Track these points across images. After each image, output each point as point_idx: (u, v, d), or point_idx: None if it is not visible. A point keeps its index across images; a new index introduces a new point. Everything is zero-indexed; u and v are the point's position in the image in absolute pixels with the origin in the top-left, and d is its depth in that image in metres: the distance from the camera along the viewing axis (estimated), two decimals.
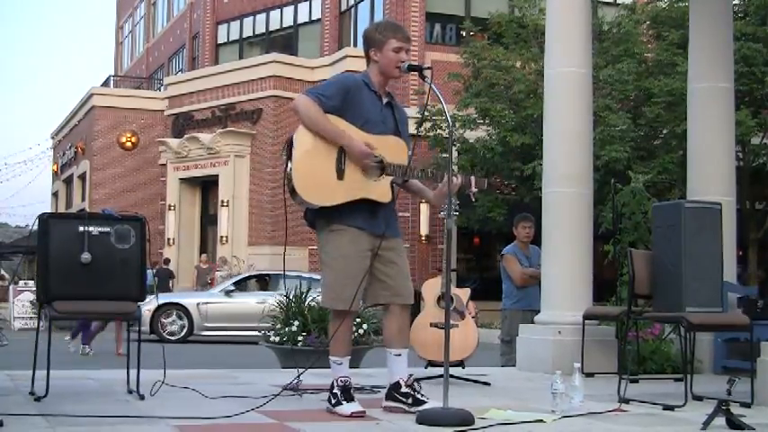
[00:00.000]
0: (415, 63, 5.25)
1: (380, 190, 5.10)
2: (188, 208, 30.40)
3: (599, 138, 17.09)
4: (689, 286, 6.07)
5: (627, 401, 5.86)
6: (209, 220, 30.29)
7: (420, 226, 25.14)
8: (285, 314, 9.20)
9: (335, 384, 5.15)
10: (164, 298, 19.26)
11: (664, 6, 21.37)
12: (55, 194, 41.60)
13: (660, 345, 8.05)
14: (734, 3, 16.83)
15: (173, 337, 18.31)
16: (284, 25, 32.14)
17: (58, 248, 5.46)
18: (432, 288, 6.98)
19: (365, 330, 9.05)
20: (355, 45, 28.09)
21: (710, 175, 8.59)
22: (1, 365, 7.33)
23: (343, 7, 29.87)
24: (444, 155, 21.53)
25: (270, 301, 18.69)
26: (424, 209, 24.68)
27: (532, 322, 8.33)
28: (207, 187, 30.19)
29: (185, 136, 29.73)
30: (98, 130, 32.58)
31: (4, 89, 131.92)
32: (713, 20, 8.77)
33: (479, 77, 21.92)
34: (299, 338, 8.83)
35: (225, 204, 28.17)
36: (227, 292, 19.46)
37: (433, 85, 5.07)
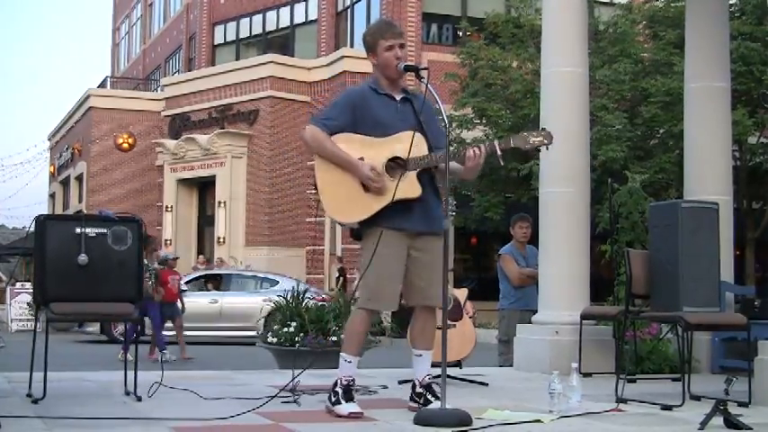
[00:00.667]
0: (412, 63, 5.24)
1: (408, 187, 5.06)
2: (185, 209, 30.39)
3: (596, 137, 17.08)
4: (686, 286, 6.07)
5: (624, 401, 5.86)
6: (206, 221, 30.28)
7: None
8: (283, 315, 9.20)
9: (339, 383, 5.15)
10: None
11: (660, 6, 21.37)
12: (52, 196, 41.57)
13: (658, 344, 8.05)
14: (730, 2, 16.84)
15: (122, 338, 17.74)
16: (281, 26, 32.12)
17: (55, 250, 5.46)
18: None
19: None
20: (352, 45, 28.08)
21: (707, 175, 8.59)
22: None
23: (340, 8, 29.86)
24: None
25: (221, 300, 18.76)
26: None
27: (530, 322, 8.33)
28: (204, 188, 30.19)
29: (182, 137, 29.73)
30: (95, 131, 32.56)
31: (0, 90, 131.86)
32: (710, 19, 8.77)
33: (476, 77, 21.92)
34: (297, 339, 8.83)
35: (222, 205, 28.17)
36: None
37: (429, 86, 5.06)
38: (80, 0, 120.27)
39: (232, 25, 33.68)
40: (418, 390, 5.23)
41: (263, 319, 17.91)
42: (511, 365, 8.43)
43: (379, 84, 5.28)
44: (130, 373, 5.64)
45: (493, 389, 6.69)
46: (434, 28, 27.64)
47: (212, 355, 15.01)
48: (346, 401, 5.08)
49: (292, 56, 29.82)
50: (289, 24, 31.82)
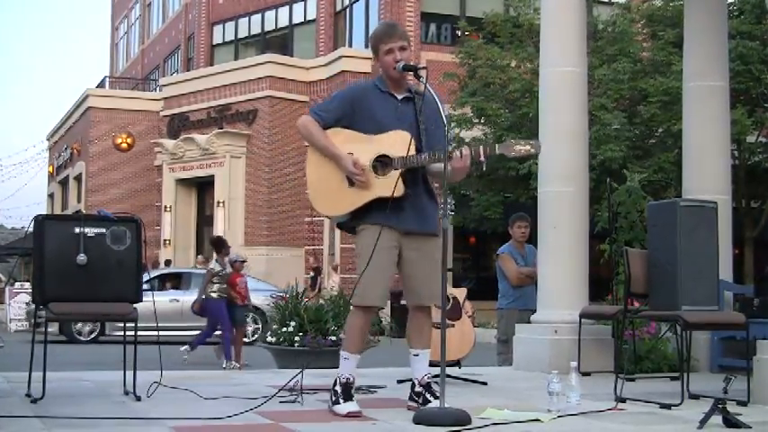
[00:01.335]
0: (410, 63, 5.25)
1: (389, 185, 5.07)
2: (184, 209, 30.38)
3: (594, 137, 17.08)
4: (685, 285, 6.07)
5: (624, 400, 5.86)
6: (204, 221, 30.27)
7: None
8: (282, 315, 9.20)
9: (338, 382, 5.17)
10: None
11: (659, 5, 21.37)
12: (51, 196, 41.55)
13: (657, 343, 8.06)
14: (729, 1, 16.85)
15: (82, 338, 17.36)
16: (279, 26, 32.12)
17: (53, 250, 5.46)
18: None
19: None
20: (351, 45, 28.09)
21: (706, 174, 8.59)
22: None
23: (338, 7, 29.86)
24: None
25: (182, 299, 18.61)
26: None
27: (529, 322, 8.33)
28: (203, 188, 30.19)
29: (181, 137, 29.72)
30: (94, 131, 32.55)
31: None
32: (708, 18, 8.77)
33: (475, 77, 21.92)
34: (296, 339, 8.84)
35: (221, 205, 28.16)
36: None
37: (428, 85, 5.07)
38: (78, 0, 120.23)
39: (231, 25, 33.67)
40: (417, 389, 5.25)
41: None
42: (510, 365, 8.43)
43: (383, 82, 5.32)
44: (129, 373, 5.64)
45: (492, 388, 6.69)
46: (433, 27, 27.63)
47: (211, 354, 14.99)
48: (345, 401, 5.08)
49: (291, 56, 29.82)
50: (287, 24, 31.82)
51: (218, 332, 12.60)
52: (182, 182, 30.07)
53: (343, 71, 26.28)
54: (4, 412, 4.73)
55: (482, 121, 21.58)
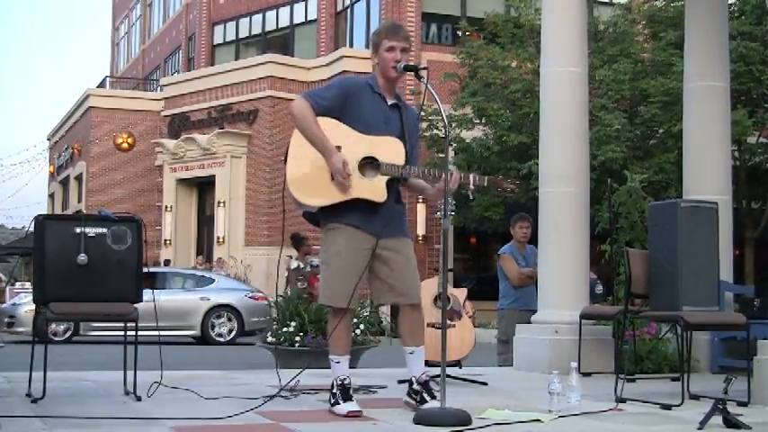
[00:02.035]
0: (411, 63, 5.25)
1: (374, 189, 5.09)
2: (184, 209, 30.37)
3: (595, 137, 17.08)
4: (685, 285, 6.07)
5: (624, 401, 5.86)
6: (205, 221, 30.27)
7: (417, 226, 25.13)
8: (282, 315, 9.20)
9: (335, 384, 5.17)
10: None
11: (660, 6, 21.37)
12: (51, 196, 41.55)
13: (657, 344, 8.06)
14: (730, 2, 16.83)
15: (56, 338, 16.85)
16: (280, 26, 32.11)
17: (54, 250, 5.46)
18: (428, 288, 6.97)
19: (362, 330, 9.05)
20: (351, 45, 28.08)
21: (707, 175, 8.60)
22: None
23: (339, 7, 29.85)
24: (441, 155, 21.53)
25: (158, 299, 18.42)
26: (421, 209, 24.67)
27: (529, 322, 8.33)
28: (203, 188, 30.18)
29: (182, 137, 29.71)
30: (94, 131, 32.55)
31: (0, 90, 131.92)
32: (709, 19, 8.78)
33: (476, 77, 21.91)
34: (297, 339, 8.83)
35: (221, 205, 28.16)
36: None
37: (429, 86, 5.07)
38: (79, 0, 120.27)
39: (231, 25, 33.67)
40: (415, 387, 5.23)
41: (201, 318, 17.93)
42: (510, 365, 8.43)
43: (376, 82, 5.30)
44: (130, 373, 5.64)
45: (492, 388, 6.69)
46: (434, 28, 27.62)
47: (210, 355, 15.02)
48: (344, 401, 5.09)
49: (292, 56, 29.81)
50: (288, 24, 31.81)
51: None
52: (182, 182, 30.06)
53: (343, 71, 26.22)
54: (5, 412, 4.73)
55: (483, 122, 21.58)
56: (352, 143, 5.12)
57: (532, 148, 18.36)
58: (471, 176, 5.08)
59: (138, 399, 5.44)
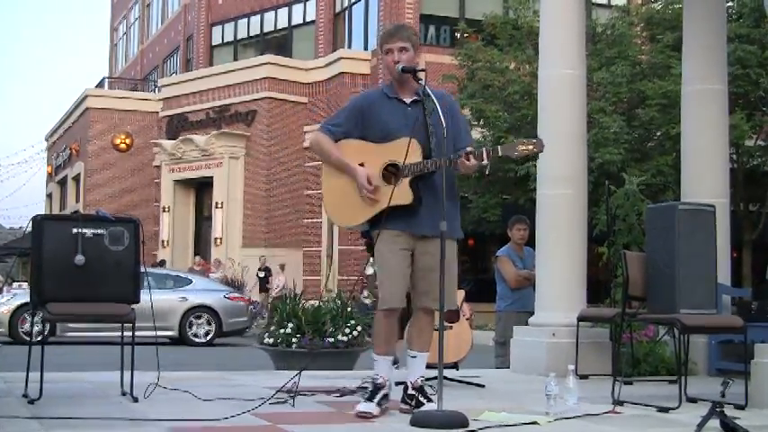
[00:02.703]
0: (409, 65, 5.24)
1: (400, 193, 5.11)
2: (182, 209, 30.38)
3: (593, 140, 17.09)
4: (683, 288, 6.07)
5: (621, 403, 5.86)
6: (203, 222, 30.27)
7: None
8: (279, 316, 9.19)
9: (373, 381, 5.23)
10: (23, 297, 17.26)
11: (658, 8, 21.39)
12: (49, 196, 41.55)
13: (654, 347, 8.06)
14: (728, 4, 16.84)
15: (31, 339, 16.72)
16: (279, 27, 32.13)
17: (51, 250, 5.45)
18: None
19: (359, 332, 9.03)
20: (350, 47, 28.09)
21: (704, 177, 8.59)
22: None
23: (338, 9, 29.86)
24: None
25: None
26: None
27: (527, 324, 8.33)
28: (201, 189, 30.19)
29: (180, 137, 29.72)
30: (92, 131, 32.56)
31: None
32: (707, 22, 8.78)
33: (474, 79, 21.92)
34: (294, 340, 8.82)
35: (219, 206, 28.16)
36: None
37: (427, 87, 5.07)
38: (78, 0, 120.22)
39: (230, 26, 33.68)
40: (410, 392, 5.25)
41: (179, 319, 17.87)
42: (508, 367, 8.42)
43: (390, 88, 5.35)
44: (127, 374, 5.63)
45: (490, 391, 6.69)
46: (432, 29, 27.63)
47: (208, 356, 15.00)
48: (368, 400, 5.12)
49: (290, 57, 29.83)
50: (287, 25, 31.83)
51: None
52: (180, 182, 30.07)
53: (342, 72, 26.29)
54: (2, 413, 4.73)
55: (481, 124, 21.58)
56: (372, 156, 5.19)
57: None
58: (484, 150, 5.05)
59: (135, 400, 5.44)
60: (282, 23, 31.97)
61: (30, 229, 5.57)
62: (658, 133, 19.98)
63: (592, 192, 9.30)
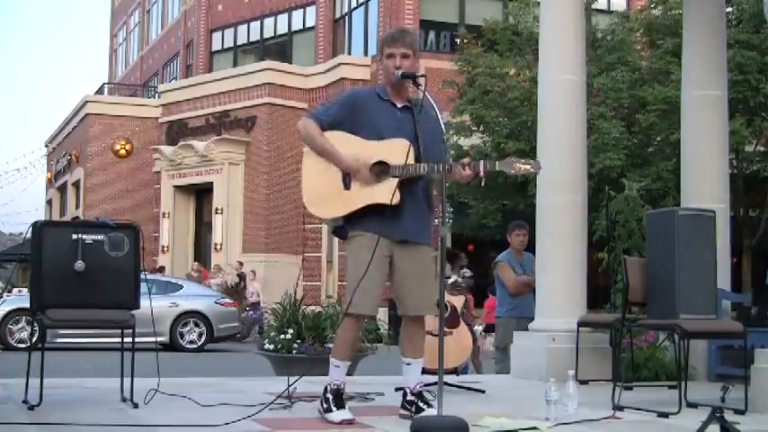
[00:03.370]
0: (409, 71, 5.24)
1: (385, 192, 5.07)
2: (182, 215, 30.38)
3: (593, 145, 17.09)
4: (683, 293, 6.07)
5: (621, 409, 5.86)
6: (203, 228, 30.26)
7: None
8: (280, 322, 9.19)
9: (328, 389, 5.16)
10: (13, 303, 17.54)
11: (658, 14, 21.39)
12: (49, 202, 41.55)
13: (654, 352, 8.05)
14: (728, 10, 16.85)
15: (22, 345, 16.31)
16: (278, 33, 32.14)
17: (51, 256, 5.45)
18: None
19: (359, 338, 9.02)
20: (349, 53, 28.09)
21: (704, 183, 8.60)
22: None
23: (338, 15, 29.88)
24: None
25: None
26: None
27: (527, 329, 8.33)
28: (201, 195, 30.18)
29: (179, 143, 29.72)
30: (92, 137, 32.56)
31: None
32: (707, 28, 8.79)
33: (474, 85, 21.90)
34: (294, 346, 8.82)
35: (219, 212, 28.16)
36: None
37: (426, 93, 5.07)
38: (78, 6, 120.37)
39: (230, 32, 33.69)
40: (409, 398, 5.26)
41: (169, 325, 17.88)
42: (507, 373, 8.42)
43: (384, 89, 5.34)
44: (127, 380, 5.63)
45: (489, 396, 6.69)
46: (432, 35, 27.64)
47: (208, 361, 14.99)
48: (337, 408, 5.08)
49: (290, 63, 29.84)
50: (286, 31, 31.84)
51: None
52: (180, 188, 30.07)
53: (341, 78, 26.29)
54: (1, 419, 4.73)
55: (481, 129, 21.57)
56: (360, 152, 5.14)
57: (530, 155, 18.38)
58: (481, 163, 5.04)
59: (136, 406, 5.43)
60: (282, 29, 31.98)
61: (30, 235, 5.57)
62: (658, 139, 19.98)
63: (592, 197, 9.30)
